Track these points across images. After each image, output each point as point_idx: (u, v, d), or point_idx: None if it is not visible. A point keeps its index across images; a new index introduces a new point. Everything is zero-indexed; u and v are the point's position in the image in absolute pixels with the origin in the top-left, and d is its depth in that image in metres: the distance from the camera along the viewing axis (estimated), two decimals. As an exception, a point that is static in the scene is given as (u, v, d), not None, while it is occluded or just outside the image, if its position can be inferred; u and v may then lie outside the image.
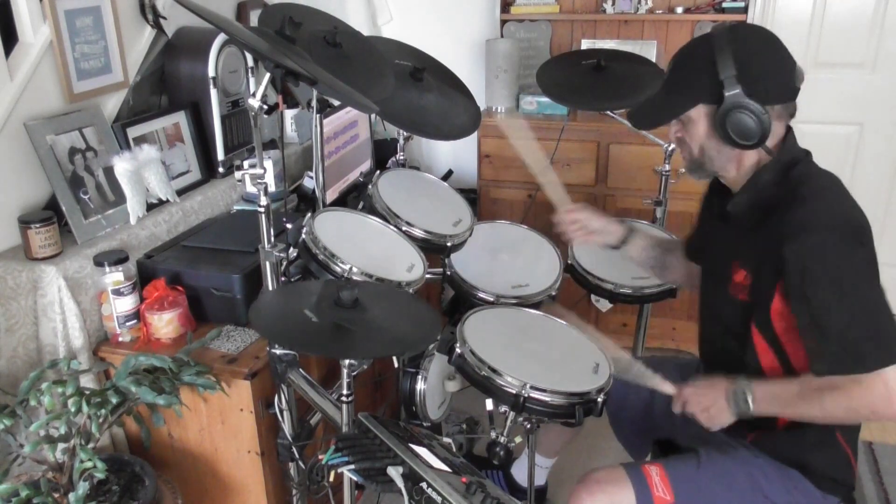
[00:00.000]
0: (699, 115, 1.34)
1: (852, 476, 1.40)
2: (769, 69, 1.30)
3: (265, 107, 1.37)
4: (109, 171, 1.89)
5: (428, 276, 1.76)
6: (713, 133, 1.33)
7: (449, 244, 1.88)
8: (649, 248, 1.74)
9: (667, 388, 1.46)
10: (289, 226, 1.68)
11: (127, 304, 1.74)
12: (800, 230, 1.23)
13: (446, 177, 2.25)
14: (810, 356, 1.24)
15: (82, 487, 1.42)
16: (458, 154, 3.36)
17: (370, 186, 1.90)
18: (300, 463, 1.71)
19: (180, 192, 2.09)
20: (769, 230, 1.30)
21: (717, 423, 1.37)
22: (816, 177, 1.33)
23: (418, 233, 1.84)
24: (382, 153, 2.62)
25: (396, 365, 1.77)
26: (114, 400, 1.52)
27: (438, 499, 1.18)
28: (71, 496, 1.42)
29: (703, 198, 1.62)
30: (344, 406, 1.43)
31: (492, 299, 1.90)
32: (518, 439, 1.50)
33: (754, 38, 1.32)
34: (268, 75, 1.34)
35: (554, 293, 1.97)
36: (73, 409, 1.47)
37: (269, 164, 2.18)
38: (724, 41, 1.29)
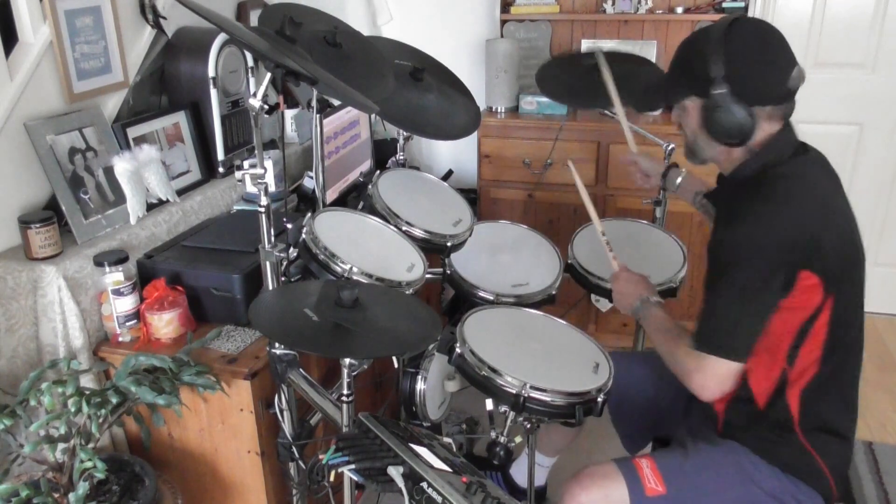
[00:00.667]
0: (692, 106, 1.37)
1: (827, 485, 1.39)
2: (760, 70, 1.30)
3: (265, 107, 1.37)
4: (109, 171, 1.89)
5: (428, 276, 1.76)
6: (702, 126, 1.36)
7: (449, 244, 1.88)
8: (697, 196, 1.84)
9: (614, 264, 1.67)
10: (289, 226, 1.68)
11: (127, 304, 1.74)
12: (736, 219, 1.31)
13: (446, 177, 2.25)
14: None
15: (82, 487, 1.42)
16: (458, 154, 3.36)
17: (370, 186, 1.90)
18: (300, 463, 1.71)
19: (180, 192, 2.09)
20: (715, 232, 1.39)
21: (620, 308, 1.63)
22: (787, 179, 1.32)
23: (418, 233, 1.84)
24: (382, 153, 2.62)
25: (396, 365, 1.77)
26: (114, 400, 1.52)
27: (439, 499, 1.18)
28: (71, 496, 1.42)
29: None
30: (344, 406, 1.43)
31: (492, 299, 1.90)
32: (518, 439, 1.50)
33: (751, 37, 1.31)
34: (268, 75, 1.34)
35: (554, 293, 1.97)
36: (73, 409, 1.47)
37: (269, 164, 2.18)
38: (719, 37, 1.30)
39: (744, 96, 1.29)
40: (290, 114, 2.65)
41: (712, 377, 1.34)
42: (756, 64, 1.30)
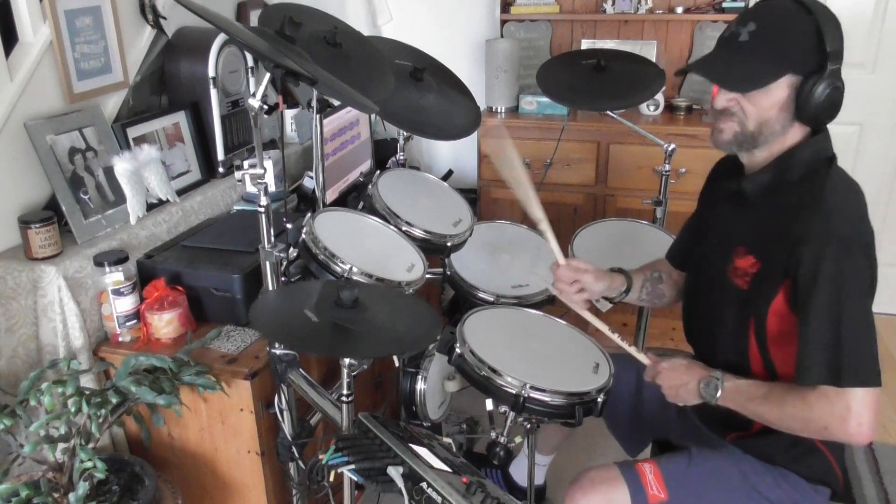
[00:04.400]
0: (779, 85, 1.25)
1: (835, 478, 1.39)
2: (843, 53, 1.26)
3: (265, 107, 1.37)
4: (109, 171, 1.89)
5: (428, 276, 1.76)
6: (788, 105, 1.26)
7: (449, 244, 1.88)
8: (642, 286, 1.69)
9: (641, 357, 1.48)
10: (289, 226, 1.68)
11: (127, 304, 1.74)
12: (822, 235, 1.20)
13: (446, 177, 2.25)
14: (797, 364, 1.22)
15: (82, 487, 1.42)
16: (458, 154, 3.36)
17: (370, 186, 1.90)
18: (300, 463, 1.71)
19: (180, 192, 2.09)
20: (787, 226, 1.25)
21: (681, 401, 1.39)
22: (844, 184, 1.29)
23: (418, 233, 1.84)
24: (382, 153, 2.62)
25: (397, 364, 1.77)
26: (114, 400, 1.52)
27: (438, 499, 1.18)
28: (71, 496, 1.42)
29: (707, 185, 1.58)
30: (344, 406, 1.44)
31: (492, 299, 1.90)
32: (518, 439, 1.50)
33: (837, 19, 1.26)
34: (268, 75, 1.34)
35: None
36: (73, 409, 1.47)
37: (269, 164, 2.19)
38: (824, 12, 1.22)
39: (841, 76, 1.24)
40: (290, 114, 2.65)
41: (867, 412, 1.16)
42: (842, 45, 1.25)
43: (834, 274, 1.18)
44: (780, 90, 1.25)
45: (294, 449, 1.68)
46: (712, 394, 1.32)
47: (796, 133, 1.30)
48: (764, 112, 1.27)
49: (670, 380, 1.39)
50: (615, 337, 1.50)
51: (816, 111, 1.24)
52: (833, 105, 1.24)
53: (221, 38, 2.18)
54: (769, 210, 1.31)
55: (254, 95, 1.36)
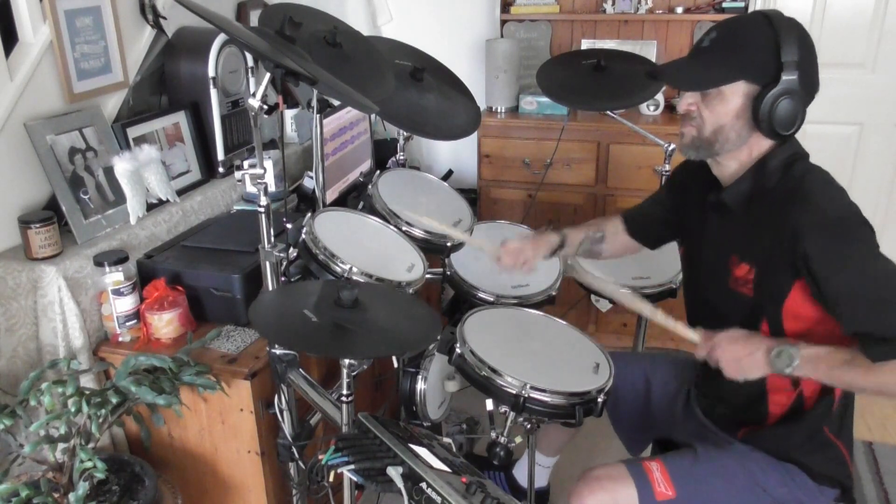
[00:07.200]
0: (735, 92, 1.28)
1: (847, 473, 1.40)
2: (816, 65, 1.28)
3: (265, 107, 1.37)
4: (109, 171, 1.89)
5: (428, 276, 1.76)
6: (744, 114, 1.28)
7: (449, 244, 1.88)
8: (580, 244, 1.73)
9: (690, 334, 1.38)
10: (289, 226, 1.68)
11: (127, 304, 1.74)
12: (815, 224, 1.21)
13: (446, 177, 2.25)
14: (861, 345, 1.19)
15: (82, 487, 1.42)
16: (458, 154, 3.36)
17: (370, 186, 1.90)
18: (300, 463, 1.71)
19: (180, 192, 2.09)
20: (777, 226, 1.26)
21: (745, 374, 1.29)
22: (818, 172, 1.30)
23: (418, 233, 1.84)
24: (382, 153, 2.62)
25: (396, 365, 1.77)
26: (114, 400, 1.52)
27: (438, 499, 1.18)
28: (71, 496, 1.42)
29: (677, 178, 1.61)
30: (344, 406, 1.44)
31: (492, 299, 1.90)
32: (518, 439, 1.50)
33: (806, 33, 1.28)
34: (268, 75, 1.34)
35: (554, 293, 1.97)
36: (73, 409, 1.47)
37: (269, 164, 2.18)
38: (786, 25, 1.25)
39: (806, 88, 1.25)
40: (290, 114, 2.65)
41: None
42: (815, 58, 1.27)
43: (845, 256, 1.19)
44: (736, 97, 1.28)
45: (294, 449, 1.68)
46: (787, 363, 1.23)
47: (762, 143, 1.32)
48: (720, 118, 1.30)
49: (731, 352, 1.29)
50: (658, 315, 1.42)
51: (772, 121, 1.26)
52: (790, 115, 1.26)
53: (221, 38, 2.18)
54: (753, 216, 1.33)
55: (254, 95, 1.36)
